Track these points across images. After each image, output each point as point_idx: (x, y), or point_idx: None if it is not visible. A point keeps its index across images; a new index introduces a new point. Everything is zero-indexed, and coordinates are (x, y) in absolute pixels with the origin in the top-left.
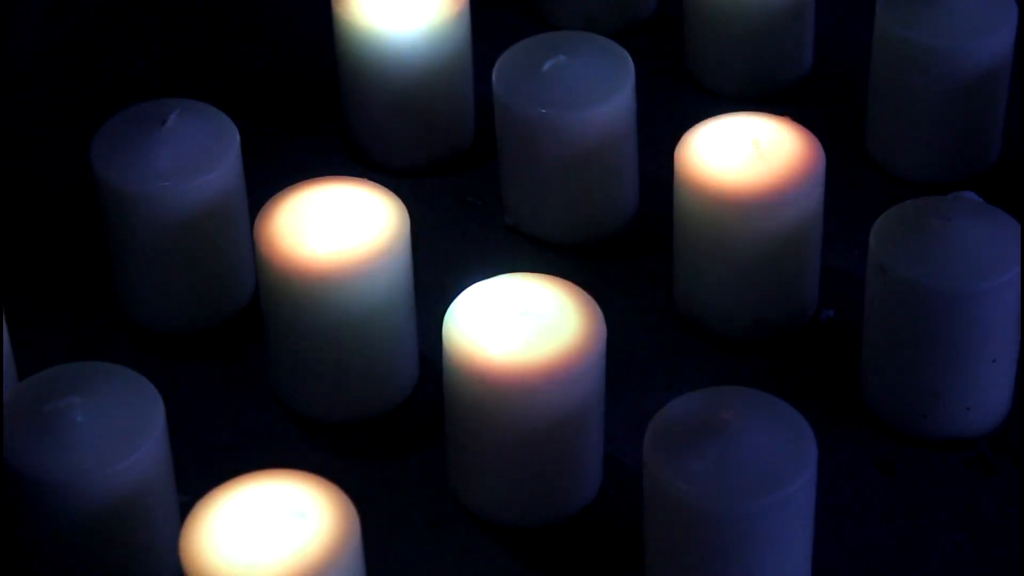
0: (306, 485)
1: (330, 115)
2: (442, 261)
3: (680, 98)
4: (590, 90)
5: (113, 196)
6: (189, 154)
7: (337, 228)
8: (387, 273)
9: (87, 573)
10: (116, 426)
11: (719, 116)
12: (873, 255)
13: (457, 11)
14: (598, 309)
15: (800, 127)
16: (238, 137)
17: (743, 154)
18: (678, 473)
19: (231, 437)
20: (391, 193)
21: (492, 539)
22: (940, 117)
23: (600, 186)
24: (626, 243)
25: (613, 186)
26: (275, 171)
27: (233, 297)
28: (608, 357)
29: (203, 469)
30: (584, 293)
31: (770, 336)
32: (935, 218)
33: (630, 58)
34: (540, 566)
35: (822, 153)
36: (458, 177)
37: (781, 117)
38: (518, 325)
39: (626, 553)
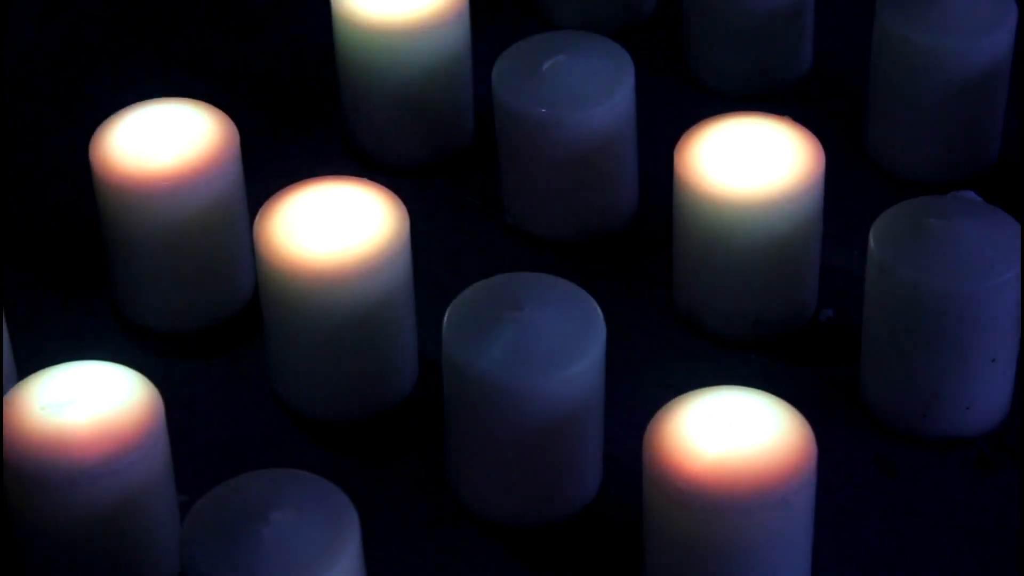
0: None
1: (330, 115)
2: (442, 261)
3: (680, 98)
4: (590, 90)
5: (113, 195)
6: (191, 154)
7: (337, 228)
8: (387, 273)
9: (87, 573)
10: (115, 426)
11: (719, 116)
12: (873, 255)
13: (457, 11)
14: (598, 309)
15: (800, 127)
16: (238, 137)
17: (743, 154)
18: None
19: (231, 437)
20: (391, 193)
21: (492, 539)
22: (940, 117)
23: (600, 186)
24: (626, 243)
25: (613, 186)
26: (275, 171)
27: (233, 297)
28: (608, 357)
29: (203, 469)
30: (584, 293)
31: (770, 336)
32: (935, 218)
33: (630, 58)
34: (540, 566)
35: (822, 153)
36: (458, 177)
37: (781, 117)
38: (517, 325)
39: (626, 553)
